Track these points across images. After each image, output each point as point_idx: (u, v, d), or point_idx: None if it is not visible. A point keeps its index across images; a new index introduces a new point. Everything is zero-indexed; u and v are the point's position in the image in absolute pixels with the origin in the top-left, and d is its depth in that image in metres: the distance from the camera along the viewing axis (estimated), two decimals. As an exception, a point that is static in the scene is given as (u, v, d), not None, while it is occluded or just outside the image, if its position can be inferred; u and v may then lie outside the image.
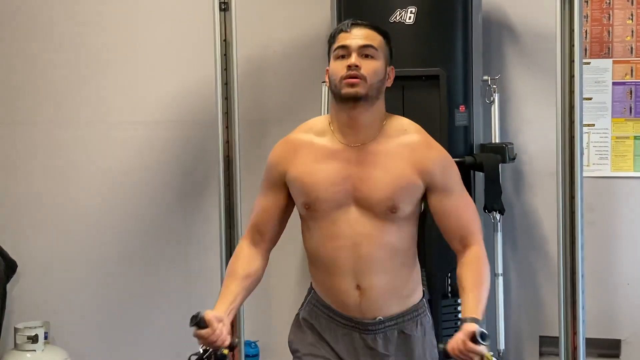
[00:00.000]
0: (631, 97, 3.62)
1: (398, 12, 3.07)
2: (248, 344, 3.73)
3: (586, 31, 3.61)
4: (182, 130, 3.90)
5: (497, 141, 3.38)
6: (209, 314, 2.05)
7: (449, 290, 3.23)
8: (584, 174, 3.15)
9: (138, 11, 3.88)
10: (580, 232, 3.09)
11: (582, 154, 3.10)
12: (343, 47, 2.13)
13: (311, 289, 2.32)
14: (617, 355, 3.67)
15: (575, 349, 3.11)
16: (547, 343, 3.67)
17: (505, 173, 3.57)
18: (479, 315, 2.04)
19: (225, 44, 3.26)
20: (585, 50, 3.60)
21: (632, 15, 3.61)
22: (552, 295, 3.26)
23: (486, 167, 3.14)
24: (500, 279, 3.31)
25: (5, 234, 3.94)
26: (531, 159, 3.67)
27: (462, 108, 3.16)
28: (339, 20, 3.19)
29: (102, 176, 3.95)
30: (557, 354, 3.18)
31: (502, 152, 3.21)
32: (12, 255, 3.91)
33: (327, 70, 2.19)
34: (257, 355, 3.83)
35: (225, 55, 3.26)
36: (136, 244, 3.95)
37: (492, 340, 3.38)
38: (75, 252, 3.96)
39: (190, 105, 3.87)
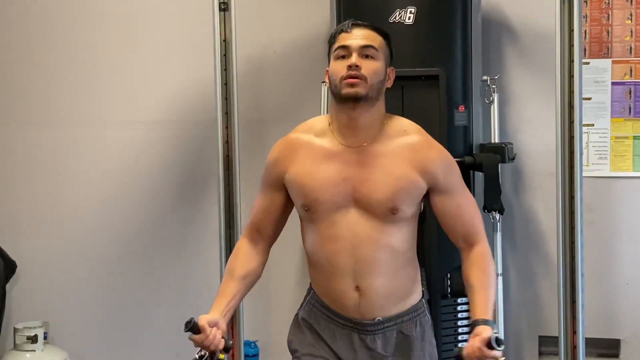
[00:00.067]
0: (630, 97, 3.62)
1: (397, 13, 3.07)
2: (248, 343, 3.73)
3: (585, 31, 3.61)
4: (182, 130, 3.90)
5: (496, 141, 3.38)
6: (202, 320, 2.08)
7: (449, 290, 3.24)
8: (584, 174, 3.15)
9: (138, 11, 3.88)
10: (580, 231, 3.10)
11: (581, 153, 3.10)
12: (343, 47, 2.13)
13: (310, 289, 2.32)
14: (617, 355, 3.67)
15: (574, 348, 3.12)
16: (547, 343, 3.67)
17: (504, 173, 3.57)
18: (490, 315, 2.07)
19: (225, 44, 3.26)
20: (585, 50, 3.61)
21: (631, 15, 3.61)
22: (552, 295, 3.26)
23: (486, 167, 3.15)
24: (500, 279, 3.31)
25: (5, 234, 3.94)
26: (530, 159, 3.67)
27: (461, 108, 3.16)
28: (339, 20, 3.19)
29: (102, 176, 3.95)
30: (557, 354, 3.18)
31: (502, 152, 3.21)
32: (12, 255, 3.91)
33: (327, 70, 2.18)
34: (256, 355, 3.83)
35: (225, 55, 3.27)
36: (136, 244, 3.95)
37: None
38: (75, 252, 3.96)
39: (190, 105, 3.87)
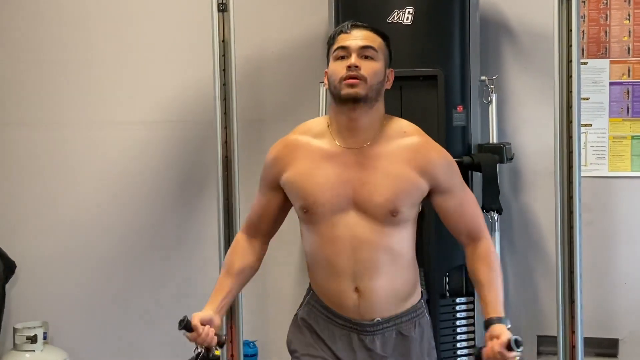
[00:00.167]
0: (628, 97, 3.63)
1: (396, 13, 3.07)
2: (247, 343, 3.73)
3: (583, 31, 3.62)
4: (181, 130, 3.90)
5: (494, 141, 3.38)
6: (195, 319, 2.14)
7: (447, 290, 3.24)
8: (582, 174, 3.15)
9: (137, 12, 3.89)
10: (578, 231, 3.10)
11: (579, 154, 3.11)
12: (343, 47, 2.13)
13: (310, 289, 2.32)
14: (615, 355, 3.68)
15: (573, 348, 3.12)
16: (546, 342, 3.68)
17: (503, 173, 3.58)
18: (503, 312, 2.10)
19: (224, 44, 3.26)
20: (583, 50, 3.61)
21: (629, 15, 3.61)
22: (550, 295, 3.27)
23: (484, 167, 3.15)
24: (499, 279, 3.31)
25: (4, 235, 3.94)
26: (529, 159, 3.68)
27: (459, 108, 3.16)
28: (337, 20, 3.20)
29: (101, 177, 3.95)
30: (555, 354, 3.18)
31: (500, 152, 3.21)
32: (11, 255, 3.91)
33: (326, 72, 2.18)
34: (255, 354, 3.83)
35: (223, 55, 3.27)
36: (135, 244, 3.95)
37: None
38: (74, 252, 3.96)
39: (189, 105, 3.87)
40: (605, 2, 3.62)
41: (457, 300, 3.22)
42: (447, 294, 3.23)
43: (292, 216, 2.29)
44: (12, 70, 3.97)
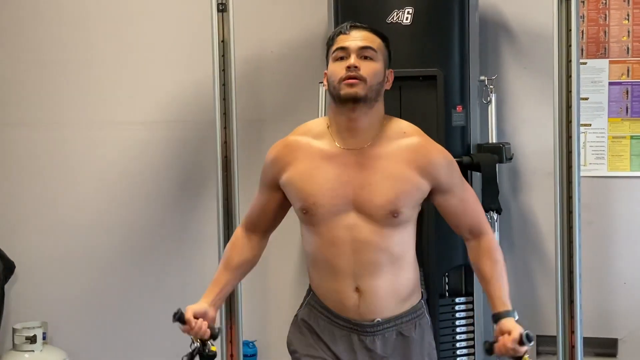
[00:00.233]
0: (627, 97, 3.63)
1: (395, 13, 3.07)
2: (246, 343, 3.73)
3: (582, 31, 3.62)
4: (181, 130, 3.90)
5: (494, 141, 3.38)
6: (188, 312, 2.18)
7: (447, 289, 3.24)
8: (581, 174, 3.16)
9: (136, 12, 3.89)
10: (578, 231, 3.10)
11: (579, 153, 3.11)
12: (342, 48, 2.12)
13: (310, 290, 2.32)
14: (614, 354, 3.68)
15: (572, 348, 3.12)
16: (545, 342, 3.68)
17: (502, 173, 3.58)
18: (509, 305, 2.13)
19: (223, 44, 3.26)
20: (582, 50, 3.61)
21: (628, 15, 3.62)
22: (550, 295, 3.27)
23: (483, 167, 3.15)
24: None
25: (4, 235, 3.94)
26: (528, 159, 3.68)
27: (459, 108, 3.17)
28: (336, 20, 3.20)
29: (100, 177, 3.95)
30: (555, 353, 3.18)
31: (499, 152, 3.22)
32: (10, 255, 3.91)
33: (325, 73, 2.17)
34: (255, 355, 3.83)
35: (223, 56, 3.27)
36: (134, 245, 3.95)
37: (490, 339, 3.39)
38: (74, 252, 3.96)
39: (189, 105, 3.88)
40: (604, 2, 3.62)
41: (456, 300, 3.23)
42: (447, 294, 3.23)
43: (293, 216, 2.29)
44: (12, 70, 3.97)
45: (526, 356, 2.05)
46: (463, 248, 3.06)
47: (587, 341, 3.26)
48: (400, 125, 2.21)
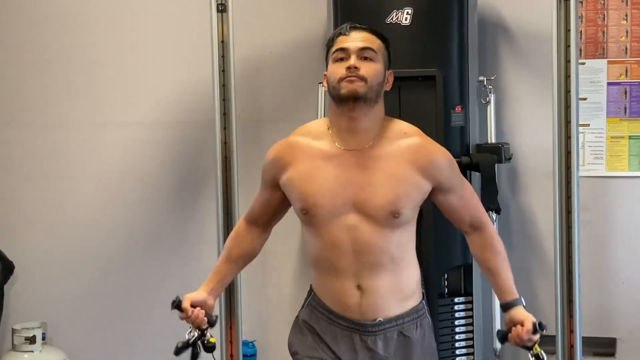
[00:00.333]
0: (626, 97, 3.64)
1: (394, 13, 3.08)
2: (246, 343, 3.73)
3: (581, 32, 3.63)
4: (180, 131, 3.91)
5: (493, 141, 3.39)
6: (186, 301, 2.23)
7: (446, 289, 3.25)
8: (580, 174, 3.16)
9: (136, 12, 3.89)
10: (576, 231, 3.11)
11: (577, 153, 3.11)
12: (342, 49, 2.12)
13: (311, 291, 2.32)
14: (613, 354, 3.68)
15: (571, 347, 3.13)
16: (544, 342, 3.65)
17: (501, 173, 3.59)
18: (516, 293, 2.21)
19: (223, 45, 3.26)
20: (580, 50, 3.62)
21: (626, 15, 3.62)
22: (549, 295, 3.27)
23: (482, 167, 3.16)
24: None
25: (3, 235, 3.93)
26: (527, 159, 3.68)
27: (458, 108, 3.17)
28: (336, 21, 3.20)
29: (100, 177, 3.95)
30: (554, 353, 3.18)
31: (498, 152, 3.23)
32: (10, 256, 3.91)
33: (325, 75, 2.18)
34: (254, 355, 3.83)
35: (222, 56, 3.26)
36: (134, 245, 3.95)
37: (489, 339, 3.40)
38: (73, 252, 3.96)
39: (188, 106, 3.88)
40: (602, 2, 3.63)
41: (456, 300, 3.23)
42: (446, 294, 3.24)
43: (293, 216, 2.30)
44: (12, 70, 3.97)
45: (537, 345, 2.12)
46: (462, 248, 3.07)
47: (586, 341, 3.26)
48: (401, 126, 2.22)
